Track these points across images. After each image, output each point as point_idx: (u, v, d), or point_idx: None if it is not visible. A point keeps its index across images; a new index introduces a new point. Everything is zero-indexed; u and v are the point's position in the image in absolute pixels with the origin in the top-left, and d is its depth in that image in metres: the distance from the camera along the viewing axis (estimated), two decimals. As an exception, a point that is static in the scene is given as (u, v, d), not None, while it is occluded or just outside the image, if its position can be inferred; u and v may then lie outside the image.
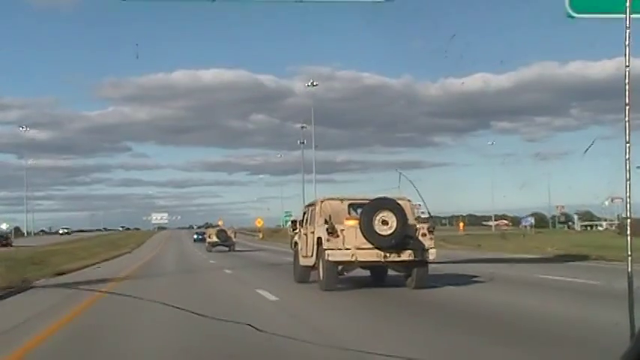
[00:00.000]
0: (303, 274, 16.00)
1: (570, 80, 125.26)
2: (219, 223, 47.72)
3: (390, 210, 13.45)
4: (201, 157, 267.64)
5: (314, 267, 14.83)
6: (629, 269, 6.77)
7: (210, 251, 43.76)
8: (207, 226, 64.89)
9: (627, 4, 6.85)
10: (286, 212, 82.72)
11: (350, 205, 15.08)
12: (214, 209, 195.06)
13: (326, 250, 13.63)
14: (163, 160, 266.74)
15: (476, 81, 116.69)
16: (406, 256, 13.62)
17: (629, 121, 6.87)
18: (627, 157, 6.88)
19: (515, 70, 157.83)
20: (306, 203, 17.51)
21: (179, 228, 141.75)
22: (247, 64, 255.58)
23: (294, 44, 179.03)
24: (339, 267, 14.08)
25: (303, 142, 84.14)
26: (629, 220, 6.86)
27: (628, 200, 6.84)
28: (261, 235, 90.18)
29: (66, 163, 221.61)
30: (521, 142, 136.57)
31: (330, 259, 13.62)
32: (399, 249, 13.56)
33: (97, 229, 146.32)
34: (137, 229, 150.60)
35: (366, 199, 14.43)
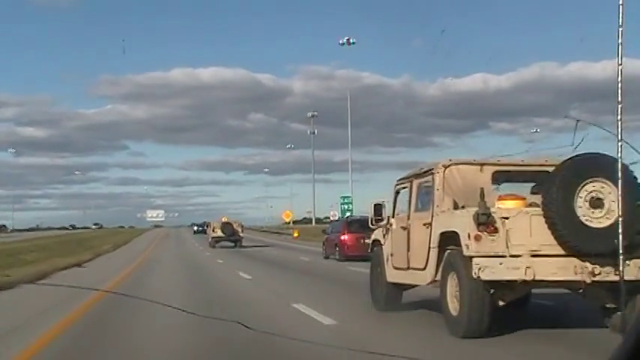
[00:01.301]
0: (393, 297, 10.18)
1: (570, 81, 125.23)
2: (223, 219, 46.15)
3: (608, 179, 7.29)
4: (198, 156, 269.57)
5: (430, 284, 8.75)
6: (621, 267, 6.85)
7: (214, 247, 40.75)
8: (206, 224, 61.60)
9: (620, 1, 6.91)
10: (344, 197, 58.64)
11: (497, 174, 8.71)
12: (212, 208, 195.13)
13: (473, 257, 7.48)
14: (161, 159, 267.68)
15: (475, 81, 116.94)
16: (635, 271, 7.31)
17: (621, 119, 6.94)
18: (619, 155, 6.95)
19: (515, 70, 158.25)
20: (410, 172, 9.98)
21: (177, 226, 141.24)
22: (246, 63, 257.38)
23: (293, 43, 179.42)
24: (492, 290, 7.74)
25: (314, 133, 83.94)
26: (620, 219, 6.91)
27: (619, 198, 6.90)
28: (296, 234, 64.34)
29: (63, 162, 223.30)
30: (519, 143, 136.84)
31: (483, 276, 7.42)
32: (617, 257, 7.07)
33: (62, 227, 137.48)
34: (132, 227, 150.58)
35: (541, 165, 8.62)
